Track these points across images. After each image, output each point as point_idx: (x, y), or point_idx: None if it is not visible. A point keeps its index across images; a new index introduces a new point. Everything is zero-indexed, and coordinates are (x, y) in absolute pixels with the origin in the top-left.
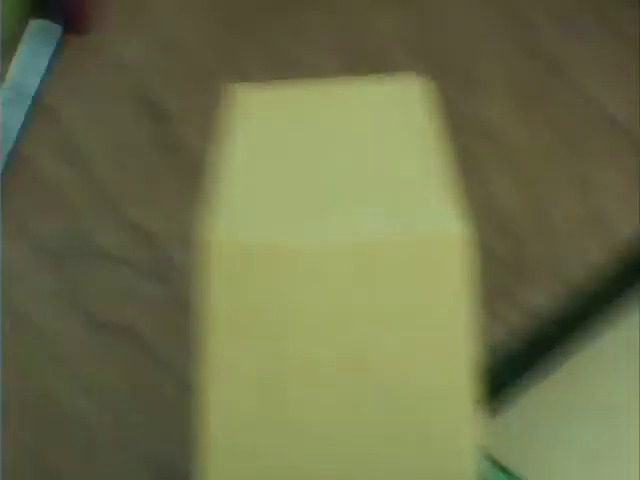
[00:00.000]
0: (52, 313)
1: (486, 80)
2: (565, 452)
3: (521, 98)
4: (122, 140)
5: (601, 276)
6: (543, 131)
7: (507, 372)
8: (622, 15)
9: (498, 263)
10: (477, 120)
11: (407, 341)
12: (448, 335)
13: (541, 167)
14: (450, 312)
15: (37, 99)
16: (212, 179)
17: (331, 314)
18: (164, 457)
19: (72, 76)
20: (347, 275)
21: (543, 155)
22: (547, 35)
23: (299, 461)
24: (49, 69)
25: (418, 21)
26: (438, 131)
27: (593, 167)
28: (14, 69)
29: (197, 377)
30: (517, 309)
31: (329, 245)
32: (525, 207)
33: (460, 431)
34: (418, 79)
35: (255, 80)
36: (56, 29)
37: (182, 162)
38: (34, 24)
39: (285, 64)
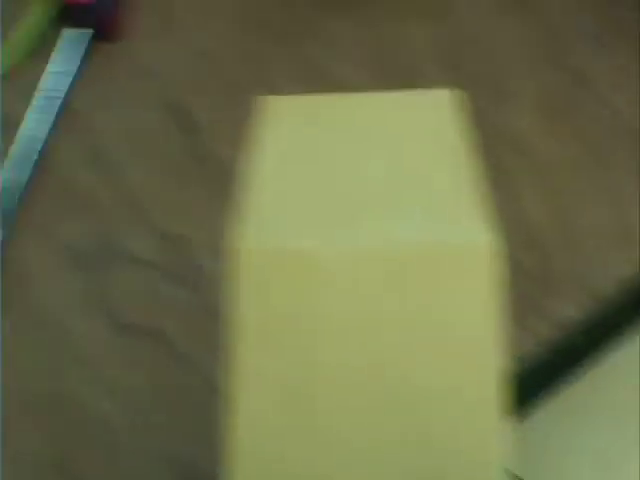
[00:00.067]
0: (78, 315)
1: (515, 92)
2: (578, 460)
3: (549, 110)
4: (151, 147)
5: (628, 289)
6: (570, 143)
7: (533, 383)
8: None
9: (525, 275)
10: (505, 132)
11: (436, 351)
12: (477, 346)
13: (568, 179)
14: (479, 323)
15: (67, 105)
16: (241, 187)
17: (360, 322)
18: (188, 459)
19: (102, 83)
20: (376, 283)
21: (570, 167)
22: (575, 49)
23: (326, 469)
24: (79, 76)
25: (450, 35)
26: (469, 143)
27: (620, 179)
28: (45, 76)
29: (224, 383)
30: (544, 321)
31: (359, 253)
32: (552, 219)
33: (488, 443)
34: (449, 91)
35: (285, 91)
36: (87, 37)
37: (211, 170)
38: (65, 32)
39: (316, 76)
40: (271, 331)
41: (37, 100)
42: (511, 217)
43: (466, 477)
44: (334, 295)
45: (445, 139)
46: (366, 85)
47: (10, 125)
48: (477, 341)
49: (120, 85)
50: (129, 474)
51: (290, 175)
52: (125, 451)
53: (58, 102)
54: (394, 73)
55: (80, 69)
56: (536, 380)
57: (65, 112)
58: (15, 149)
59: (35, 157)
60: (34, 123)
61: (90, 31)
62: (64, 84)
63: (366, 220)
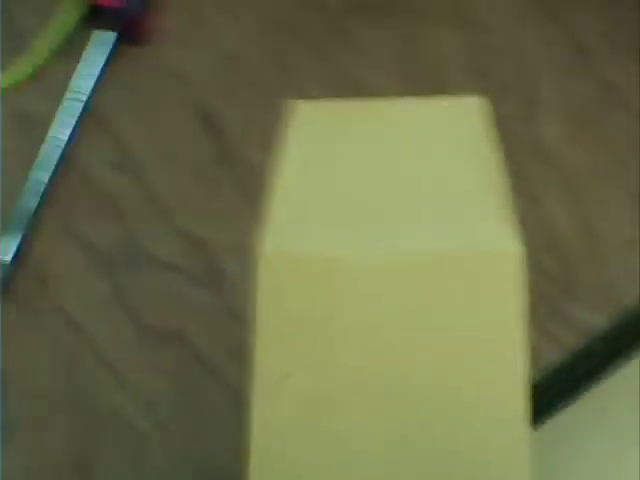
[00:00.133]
0: (100, 317)
1: (543, 101)
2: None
3: (576, 119)
4: (178, 150)
5: None
6: (597, 152)
7: (553, 391)
8: None
9: (550, 282)
10: (532, 140)
11: (461, 359)
12: (504, 354)
13: (594, 188)
14: (505, 332)
15: (94, 107)
16: (267, 192)
17: (382, 329)
18: (211, 463)
19: (129, 86)
20: (399, 290)
21: (596, 176)
22: (603, 59)
23: (346, 474)
24: (107, 78)
25: (479, 43)
26: (496, 150)
27: None
28: (73, 77)
29: (246, 386)
30: (567, 328)
31: (382, 259)
32: (577, 227)
33: (515, 454)
34: (476, 99)
35: (314, 96)
36: (115, 39)
37: (239, 174)
38: (93, 34)
39: (345, 82)
40: (292, 336)
41: (64, 101)
42: (536, 224)
43: None
44: (356, 301)
45: (473, 146)
46: (395, 91)
47: (37, 125)
48: (504, 349)
49: (148, 88)
50: (151, 476)
51: (316, 180)
52: (147, 453)
53: (85, 104)
54: (423, 80)
55: (108, 71)
56: (556, 388)
57: (92, 114)
58: (42, 149)
59: (59, 157)
60: (61, 124)
61: (118, 34)
62: (92, 86)
63: (390, 226)
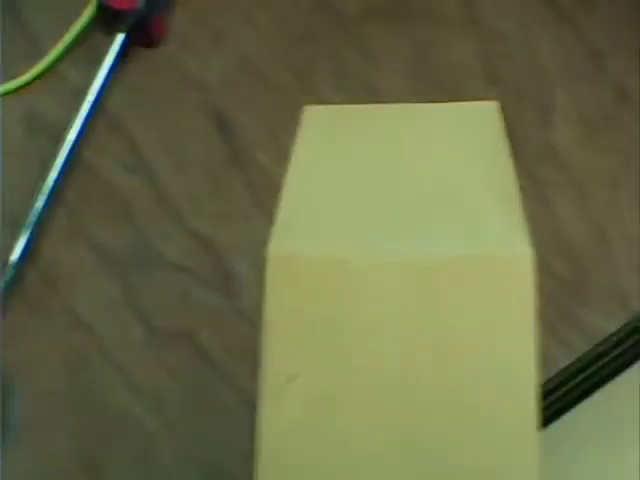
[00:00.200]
0: (110, 318)
1: (555, 106)
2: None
3: (588, 123)
4: (190, 153)
5: None
6: (609, 157)
7: (562, 395)
8: None
9: (561, 286)
10: (544, 144)
11: (469, 362)
12: (514, 358)
13: (606, 192)
14: (516, 336)
15: (106, 110)
16: (278, 195)
17: (390, 331)
18: (218, 464)
19: (139, 88)
20: (408, 292)
21: (608, 180)
22: (615, 64)
23: (357, 476)
24: (117, 80)
25: (492, 49)
26: (508, 155)
27: None
28: (86, 79)
29: (255, 389)
30: (579, 333)
31: (391, 261)
32: (589, 231)
33: (525, 459)
34: (490, 104)
35: (329, 101)
36: (125, 41)
37: (249, 177)
38: (107, 36)
39: (359, 87)
40: (300, 337)
41: (76, 102)
42: (548, 228)
43: None
44: (364, 303)
45: (486, 151)
46: (409, 97)
47: (49, 126)
48: (515, 353)
49: (160, 90)
50: (158, 476)
51: (325, 182)
52: (155, 454)
53: (97, 105)
54: (437, 86)
55: (120, 73)
56: (565, 392)
57: (104, 116)
58: (54, 150)
59: (71, 159)
60: (73, 125)
61: (130, 36)
62: (103, 88)
63: (400, 229)
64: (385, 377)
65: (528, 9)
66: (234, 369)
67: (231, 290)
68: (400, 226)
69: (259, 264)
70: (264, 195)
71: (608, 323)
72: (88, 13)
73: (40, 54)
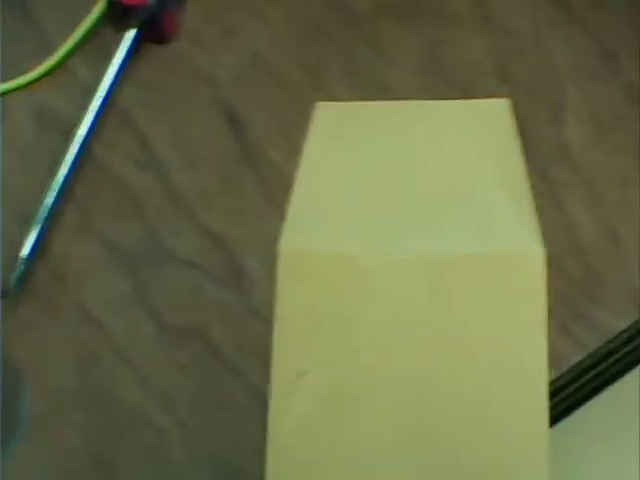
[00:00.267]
0: (121, 314)
1: (567, 104)
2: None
3: (600, 122)
4: (201, 149)
5: None
6: (621, 156)
7: (573, 393)
8: None
9: (573, 286)
10: (556, 143)
11: (479, 359)
12: (524, 356)
13: (618, 191)
14: (526, 334)
15: (117, 105)
16: (290, 191)
17: (401, 328)
18: (229, 460)
19: (151, 84)
20: (418, 289)
21: (620, 179)
22: (627, 62)
23: (367, 473)
24: (128, 76)
25: (504, 47)
26: (520, 153)
27: None
28: (96, 75)
29: (265, 385)
30: (591, 332)
31: (402, 258)
32: (601, 231)
33: (536, 458)
34: (502, 101)
35: (341, 98)
36: (136, 37)
37: (260, 173)
38: (117, 32)
39: (371, 84)
40: (310, 333)
41: (87, 98)
42: (559, 227)
43: None
44: (374, 300)
45: (497, 149)
46: (421, 94)
47: (60, 122)
48: (525, 350)
49: (171, 86)
50: (169, 473)
51: (336, 179)
52: (166, 450)
53: (107, 101)
54: (449, 83)
55: (131, 69)
56: (576, 388)
57: (115, 112)
58: (64, 146)
59: (81, 154)
60: (83, 121)
61: (141, 31)
62: (115, 84)
63: (411, 227)
64: (396, 374)
65: (540, 7)
66: (245, 366)
67: (242, 287)
68: (411, 223)
69: (270, 261)
70: (275, 192)
71: (619, 321)
72: (98, 9)
73: (50, 50)
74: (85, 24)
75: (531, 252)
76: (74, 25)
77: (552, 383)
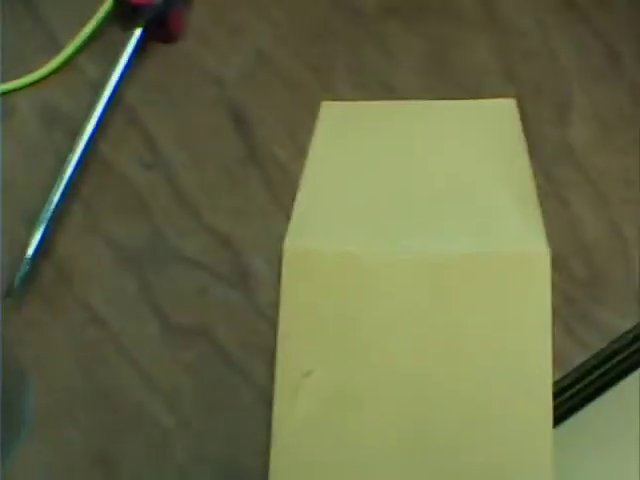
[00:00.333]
0: (126, 314)
1: (573, 104)
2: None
3: (605, 122)
4: (207, 148)
5: None
6: (626, 156)
7: (577, 393)
8: None
9: (577, 285)
10: (561, 143)
11: (484, 358)
12: (528, 355)
13: (622, 191)
14: (531, 332)
15: (122, 104)
16: (296, 191)
17: (405, 327)
18: (233, 461)
19: (157, 83)
20: (423, 290)
21: (625, 179)
22: (633, 62)
23: (370, 471)
24: (135, 75)
25: (510, 47)
26: (526, 153)
27: None
28: (102, 73)
29: (272, 386)
30: (596, 332)
31: (406, 257)
32: (606, 231)
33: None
34: (507, 102)
35: (346, 98)
36: (143, 36)
37: (266, 173)
38: (123, 31)
39: (377, 84)
40: (314, 333)
41: (93, 97)
42: (564, 227)
43: None
44: (378, 299)
45: (503, 148)
46: (427, 94)
47: (66, 121)
48: (530, 349)
49: (178, 86)
50: (173, 473)
51: (340, 179)
52: (170, 450)
53: (114, 101)
54: (455, 83)
55: (137, 68)
56: (580, 389)
57: (121, 111)
58: (70, 145)
59: (87, 154)
60: (89, 120)
61: (147, 31)
62: (121, 83)
63: (416, 226)
64: (398, 374)
65: (546, 7)
66: (250, 366)
67: (248, 287)
68: (413, 223)
69: (276, 261)
70: (281, 192)
71: (624, 321)
72: (105, 8)
73: (57, 48)
74: (92, 23)
75: (536, 250)
76: (81, 23)
77: (556, 383)
